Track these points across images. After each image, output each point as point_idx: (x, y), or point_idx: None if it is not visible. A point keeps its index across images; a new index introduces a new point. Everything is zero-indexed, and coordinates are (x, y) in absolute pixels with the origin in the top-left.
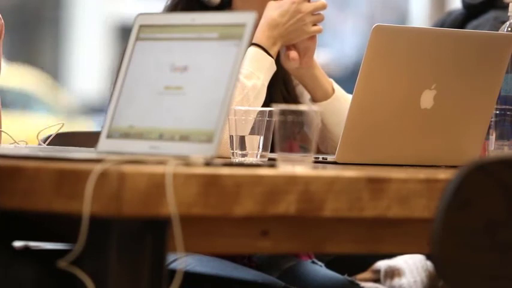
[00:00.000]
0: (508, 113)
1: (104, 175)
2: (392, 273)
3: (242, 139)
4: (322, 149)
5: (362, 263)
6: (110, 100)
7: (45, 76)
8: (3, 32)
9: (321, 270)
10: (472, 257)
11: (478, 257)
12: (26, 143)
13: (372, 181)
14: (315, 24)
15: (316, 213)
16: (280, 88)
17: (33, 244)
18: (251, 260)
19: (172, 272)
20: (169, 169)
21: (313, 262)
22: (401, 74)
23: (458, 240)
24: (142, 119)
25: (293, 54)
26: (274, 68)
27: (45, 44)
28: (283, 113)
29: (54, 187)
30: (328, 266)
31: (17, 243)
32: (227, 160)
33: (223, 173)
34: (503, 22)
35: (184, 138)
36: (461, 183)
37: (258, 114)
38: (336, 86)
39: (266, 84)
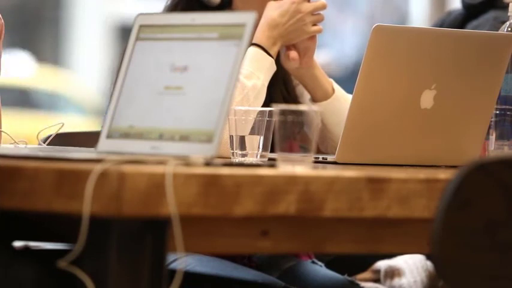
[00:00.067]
0: (508, 113)
1: (104, 175)
2: (392, 273)
3: (242, 139)
4: (322, 149)
5: (362, 263)
6: (110, 100)
7: (75, 77)
8: (3, 32)
9: (321, 270)
10: (472, 257)
11: (478, 257)
12: (26, 143)
13: (372, 181)
14: (314, 24)
15: (316, 213)
16: (280, 88)
17: (33, 244)
18: (251, 260)
19: (172, 272)
20: (169, 169)
21: (313, 262)
22: (401, 74)
23: (458, 240)
24: (143, 119)
25: (293, 54)
26: (274, 68)
27: (45, 44)
28: (283, 113)
29: (54, 187)
30: (328, 266)
31: (17, 243)
32: (227, 160)
33: (223, 173)
34: (503, 22)
35: (184, 138)
36: (461, 183)
37: (258, 114)
38: (336, 86)
39: (266, 84)
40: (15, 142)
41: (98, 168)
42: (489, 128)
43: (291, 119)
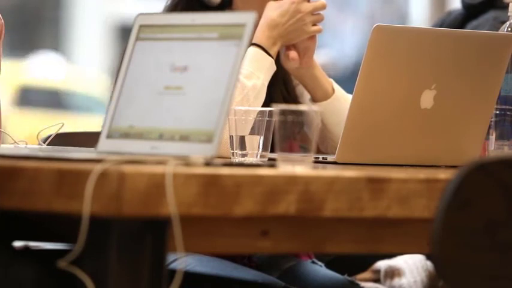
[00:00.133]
0: (508, 113)
1: (104, 175)
2: (392, 273)
3: (242, 139)
4: (322, 149)
5: (362, 263)
6: (110, 100)
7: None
8: (3, 32)
9: (321, 270)
10: (472, 257)
11: (478, 257)
12: (26, 143)
13: (372, 181)
14: (314, 24)
15: (316, 213)
16: (280, 88)
17: (33, 244)
18: (251, 260)
19: (172, 272)
20: (169, 169)
21: (313, 262)
22: (401, 74)
23: (458, 240)
24: (142, 119)
25: (293, 54)
26: (274, 68)
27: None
28: (283, 113)
29: (54, 187)
30: (328, 266)
31: (17, 243)
32: (227, 160)
33: (223, 173)
34: (503, 22)
35: (184, 138)
36: (461, 183)
37: (258, 114)
38: (336, 86)
39: (266, 84)
40: (15, 142)
41: (98, 168)
42: (489, 128)
43: (291, 119)
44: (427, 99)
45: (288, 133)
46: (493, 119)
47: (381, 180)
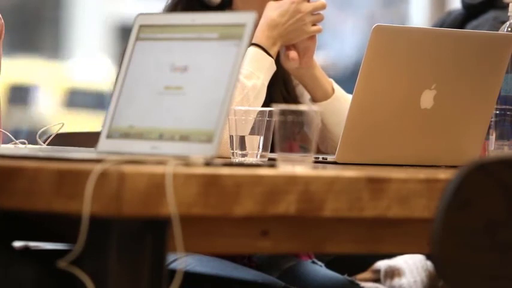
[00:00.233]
0: (508, 113)
1: (104, 175)
2: (392, 273)
3: (242, 139)
4: (322, 149)
5: (362, 263)
6: (110, 100)
7: None
8: (3, 32)
9: (321, 270)
10: (472, 257)
11: (478, 257)
12: (26, 143)
13: (372, 181)
14: (314, 24)
15: (316, 213)
16: (280, 88)
17: (33, 244)
18: (251, 260)
19: (172, 272)
20: (169, 169)
21: (313, 262)
22: (401, 74)
23: (458, 240)
24: (143, 119)
25: (293, 54)
26: (274, 68)
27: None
28: (283, 113)
29: (54, 187)
30: (328, 266)
31: (17, 243)
32: (227, 160)
33: (223, 173)
34: (503, 22)
35: (184, 138)
36: (461, 183)
37: (258, 114)
38: (336, 86)
39: (266, 84)
40: (15, 142)
41: (98, 168)
42: (489, 128)
43: (291, 119)
44: (427, 99)
45: (288, 133)
46: (493, 119)
47: (381, 180)
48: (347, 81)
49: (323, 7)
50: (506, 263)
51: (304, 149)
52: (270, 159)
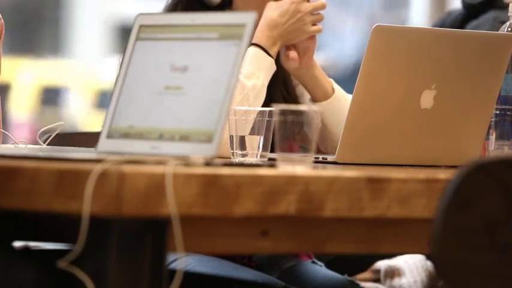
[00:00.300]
0: (508, 113)
1: (104, 175)
2: (392, 273)
3: (242, 139)
4: (322, 149)
5: (362, 263)
6: (110, 100)
7: None
8: (3, 32)
9: (321, 270)
10: (472, 257)
11: (478, 257)
12: (26, 143)
13: (372, 181)
14: (314, 24)
15: (316, 213)
16: (280, 88)
17: (33, 244)
18: (251, 260)
19: (172, 272)
20: (169, 169)
21: (313, 262)
22: (401, 74)
23: (458, 240)
24: (143, 119)
25: (293, 54)
26: (274, 68)
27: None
28: (283, 113)
29: (54, 187)
30: (328, 266)
31: (17, 243)
32: (227, 160)
33: (223, 173)
34: (503, 22)
35: (184, 138)
36: (461, 183)
37: (258, 114)
38: (336, 86)
39: (266, 84)
40: (15, 142)
41: (98, 168)
42: (489, 128)
43: (291, 119)
44: (427, 99)
45: (288, 133)
46: (493, 119)
47: (381, 180)
48: (347, 81)
49: (323, 7)
50: (506, 263)
51: (304, 149)
52: (270, 159)
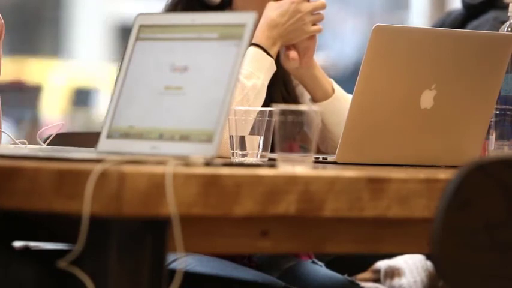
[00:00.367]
0: (508, 113)
1: (104, 175)
2: (392, 273)
3: (242, 139)
4: (322, 149)
5: (362, 263)
6: (110, 100)
7: None
8: (3, 32)
9: (321, 270)
10: (472, 257)
11: (478, 257)
12: (26, 143)
13: (372, 181)
14: (314, 24)
15: (316, 213)
16: (280, 88)
17: (33, 244)
18: (251, 260)
19: (172, 272)
20: (169, 169)
21: (313, 262)
22: (401, 74)
23: (458, 240)
24: (143, 119)
25: (293, 54)
26: (274, 68)
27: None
28: (283, 113)
29: (54, 187)
30: (328, 266)
31: (17, 243)
32: (227, 160)
33: (223, 173)
34: (503, 22)
35: (184, 138)
36: (461, 183)
37: (258, 114)
38: (336, 86)
39: (266, 84)
40: (15, 142)
41: (98, 168)
42: (489, 128)
43: (291, 119)
44: (427, 99)
45: (288, 133)
46: (493, 119)
47: (381, 180)
48: (347, 81)
49: (323, 7)
50: (506, 263)
51: (304, 149)
52: (270, 159)
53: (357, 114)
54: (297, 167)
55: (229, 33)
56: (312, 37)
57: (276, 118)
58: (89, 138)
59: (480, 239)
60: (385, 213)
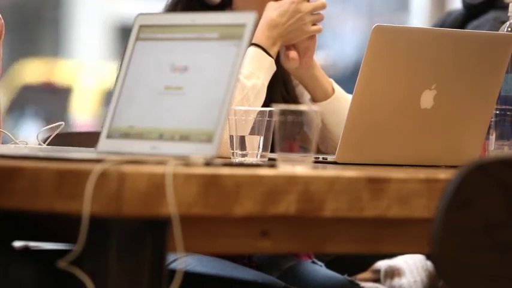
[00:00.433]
0: (508, 113)
1: (104, 175)
2: (392, 273)
3: (242, 139)
4: (322, 149)
5: (362, 263)
6: (110, 100)
7: None
8: (3, 32)
9: (321, 270)
10: (472, 257)
11: (478, 257)
12: (26, 143)
13: (372, 181)
14: (314, 24)
15: (316, 213)
16: (280, 88)
17: (33, 244)
18: (251, 260)
19: (172, 272)
20: (169, 169)
21: (313, 262)
22: (401, 74)
23: (458, 240)
24: (143, 119)
25: (293, 54)
26: (274, 68)
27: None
28: (283, 113)
29: (54, 187)
30: (328, 266)
31: (17, 243)
32: (227, 160)
33: (223, 173)
34: (503, 22)
35: (184, 138)
36: (461, 183)
37: (258, 114)
38: (336, 86)
39: (266, 84)
40: (15, 142)
41: (98, 168)
42: (489, 128)
43: (291, 119)
44: (427, 99)
45: (288, 133)
46: (493, 119)
47: (381, 180)
48: (347, 81)
49: (323, 7)
50: (506, 263)
51: (304, 149)
52: (270, 159)
53: (357, 114)
54: (297, 167)
55: (229, 33)
56: (312, 37)
57: (276, 118)
58: (89, 138)
59: (480, 239)
60: (385, 213)
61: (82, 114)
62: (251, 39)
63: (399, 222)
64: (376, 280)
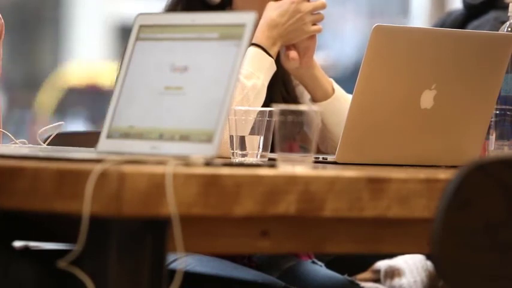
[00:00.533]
0: (508, 113)
1: (104, 175)
2: (392, 273)
3: (242, 139)
4: (322, 149)
5: (362, 263)
6: (110, 100)
7: None
8: (4, 32)
9: (321, 270)
10: (472, 257)
11: (478, 257)
12: (26, 143)
13: (372, 181)
14: (314, 24)
15: (316, 213)
16: (280, 88)
17: (33, 244)
18: (251, 260)
19: (172, 272)
20: (169, 169)
21: (313, 262)
22: (401, 74)
23: (458, 240)
24: (143, 119)
25: (293, 54)
26: (274, 68)
27: (45, 44)
28: (283, 113)
29: (54, 187)
30: (328, 266)
31: (17, 243)
32: (227, 160)
33: (223, 173)
34: (503, 22)
35: (184, 138)
36: (461, 183)
37: (258, 114)
38: (336, 86)
39: (266, 84)
40: (15, 142)
41: (98, 168)
42: (489, 128)
43: (291, 119)
44: (427, 99)
45: (288, 133)
46: (493, 119)
47: (381, 180)
48: (347, 81)
49: (323, 7)
50: (506, 263)
51: (304, 149)
52: (270, 159)
53: (357, 114)
54: (297, 167)
55: (229, 33)
56: (312, 37)
57: (276, 118)
58: (89, 138)
59: (480, 239)
60: (385, 213)
61: None
62: (251, 39)
63: (399, 222)
64: (376, 280)
